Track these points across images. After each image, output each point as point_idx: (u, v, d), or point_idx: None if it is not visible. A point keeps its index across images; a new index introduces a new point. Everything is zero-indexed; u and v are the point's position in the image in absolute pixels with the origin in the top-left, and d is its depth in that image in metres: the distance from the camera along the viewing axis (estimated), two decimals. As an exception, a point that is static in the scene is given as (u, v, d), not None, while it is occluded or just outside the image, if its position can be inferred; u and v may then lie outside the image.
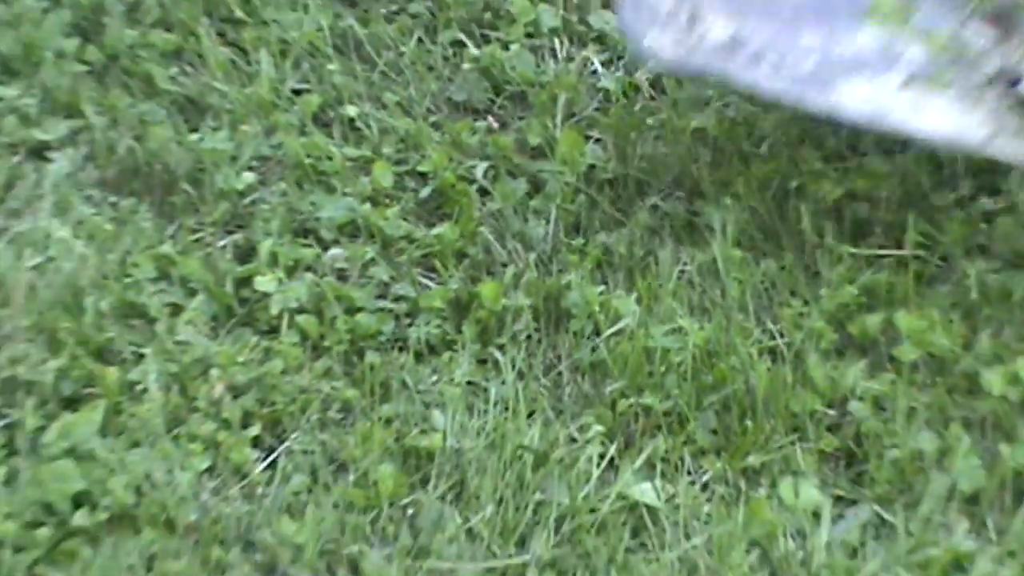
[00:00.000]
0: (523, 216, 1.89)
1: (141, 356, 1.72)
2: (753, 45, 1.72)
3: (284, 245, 1.85)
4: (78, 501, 1.53)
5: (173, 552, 1.51)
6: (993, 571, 1.45)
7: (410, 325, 1.72)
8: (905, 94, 1.70)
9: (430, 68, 2.08)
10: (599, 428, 1.52)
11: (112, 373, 1.64)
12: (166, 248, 1.84)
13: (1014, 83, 1.71)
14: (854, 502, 1.47)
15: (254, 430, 1.59)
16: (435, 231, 1.84)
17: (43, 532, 1.50)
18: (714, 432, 1.55)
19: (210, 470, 1.59)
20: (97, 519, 1.50)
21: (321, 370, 1.66)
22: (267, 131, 2.04)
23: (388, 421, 1.65)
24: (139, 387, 1.66)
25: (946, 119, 1.71)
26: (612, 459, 1.52)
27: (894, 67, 1.72)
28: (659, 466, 1.50)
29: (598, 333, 1.69)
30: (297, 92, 2.07)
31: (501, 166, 1.94)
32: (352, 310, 1.74)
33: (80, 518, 1.49)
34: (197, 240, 1.89)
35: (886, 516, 1.45)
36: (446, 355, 1.69)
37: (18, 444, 1.59)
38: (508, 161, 1.94)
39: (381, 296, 1.77)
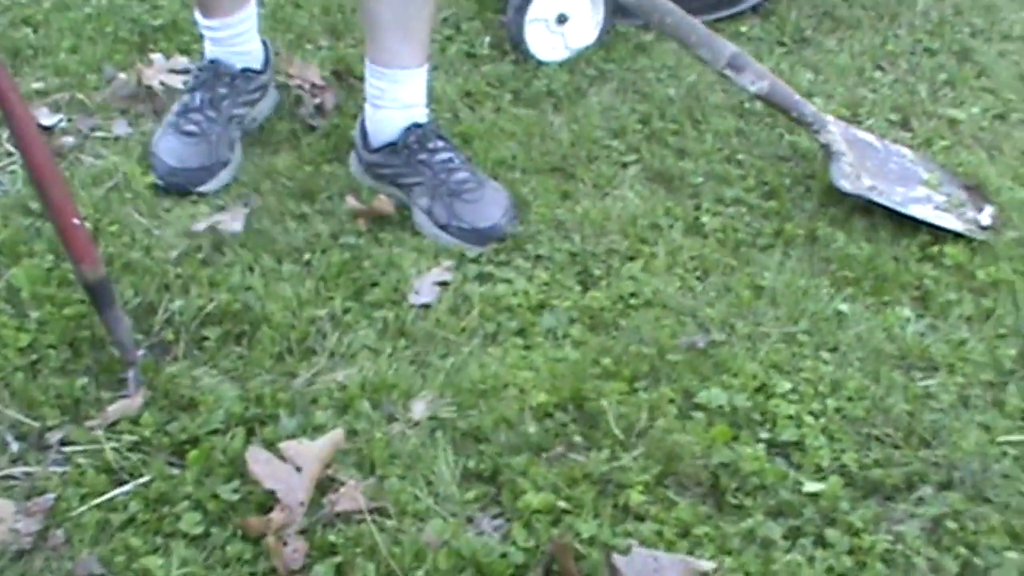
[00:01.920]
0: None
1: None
2: (879, 188, 2.53)
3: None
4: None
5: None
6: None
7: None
8: (934, 212, 2.51)
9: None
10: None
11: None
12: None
13: (980, 210, 2.52)
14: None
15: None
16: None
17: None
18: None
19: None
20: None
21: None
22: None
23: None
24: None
25: (950, 222, 2.49)
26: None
27: (931, 202, 2.55)
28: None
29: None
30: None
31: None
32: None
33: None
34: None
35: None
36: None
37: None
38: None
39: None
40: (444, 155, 2.48)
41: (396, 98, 2.49)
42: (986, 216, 2.53)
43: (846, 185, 2.51)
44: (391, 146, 2.51)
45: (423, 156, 2.48)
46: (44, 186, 1.91)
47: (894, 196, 2.55)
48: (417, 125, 2.50)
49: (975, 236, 2.45)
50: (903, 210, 2.48)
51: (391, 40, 2.43)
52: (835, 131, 2.59)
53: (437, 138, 2.50)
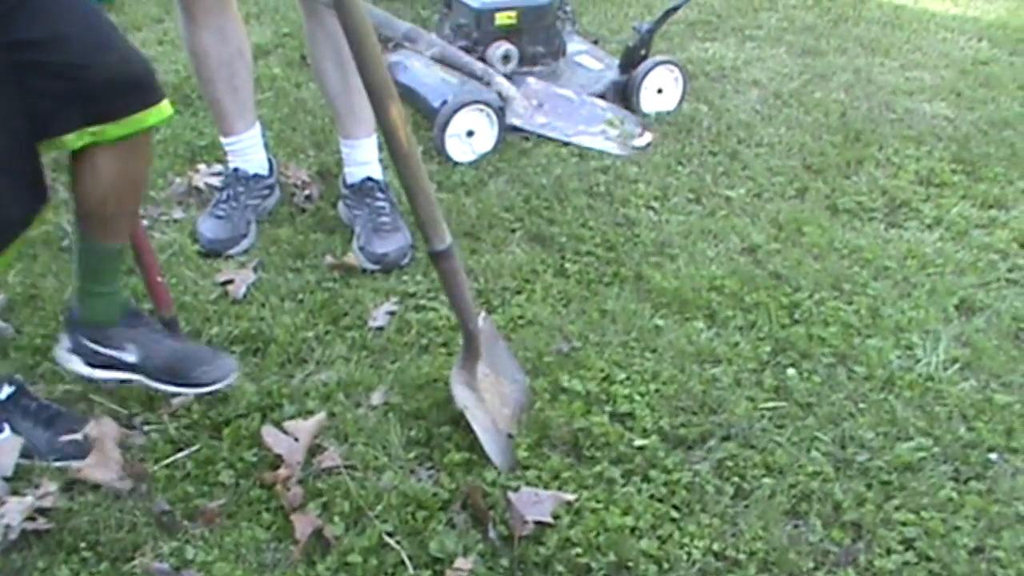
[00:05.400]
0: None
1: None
2: (552, 124, 2.64)
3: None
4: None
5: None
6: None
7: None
8: (601, 140, 2.67)
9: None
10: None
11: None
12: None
13: (640, 136, 2.56)
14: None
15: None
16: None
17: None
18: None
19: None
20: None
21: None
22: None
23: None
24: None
25: (609, 147, 2.67)
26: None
27: (604, 135, 2.71)
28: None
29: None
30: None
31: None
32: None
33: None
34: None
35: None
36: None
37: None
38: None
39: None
40: (380, 203, 2.48)
41: (354, 159, 2.51)
42: (643, 140, 2.52)
43: (516, 121, 2.39)
44: (352, 187, 2.52)
45: (368, 200, 2.48)
46: (141, 256, 1.93)
47: (568, 131, 2.50)
48: (371, 179, 2.50)
49: (628, 153, 2.51)
50: (567, 139, 2.43)
51: (345, 121, 2.46)
52: (504, 82, 2.46)
53: (379, 191, 2.50)
